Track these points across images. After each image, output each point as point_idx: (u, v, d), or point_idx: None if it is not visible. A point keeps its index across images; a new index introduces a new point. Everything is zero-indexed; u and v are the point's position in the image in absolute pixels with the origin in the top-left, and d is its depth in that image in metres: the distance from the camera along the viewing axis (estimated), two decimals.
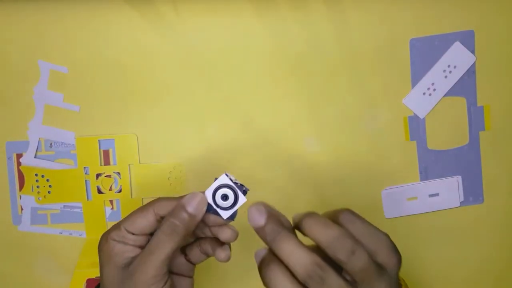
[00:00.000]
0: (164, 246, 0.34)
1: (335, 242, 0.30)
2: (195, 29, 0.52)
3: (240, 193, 0.37)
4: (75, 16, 0.51)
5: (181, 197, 0.37)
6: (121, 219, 0.38)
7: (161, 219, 0.36)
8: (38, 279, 0.54)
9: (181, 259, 0.40)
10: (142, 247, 0.36)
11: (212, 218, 0.37)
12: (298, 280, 0.30)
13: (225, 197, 0.37)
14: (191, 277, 0.40)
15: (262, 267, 0.32)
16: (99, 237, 0.38)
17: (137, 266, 0.35)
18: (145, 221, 0.36)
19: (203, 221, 0.37)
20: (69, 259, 0.53)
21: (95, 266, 0.50)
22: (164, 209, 0.36)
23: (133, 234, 0.36)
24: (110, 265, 0.36)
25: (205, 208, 0.36)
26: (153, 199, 0.38)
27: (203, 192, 0.37)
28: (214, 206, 0.37)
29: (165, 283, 0.35)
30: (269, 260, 0.32)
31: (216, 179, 0.37)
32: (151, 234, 0.37)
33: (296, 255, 0.31)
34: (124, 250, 0.36)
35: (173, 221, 0.35)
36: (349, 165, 0.55)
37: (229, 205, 0.37)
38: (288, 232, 0.32)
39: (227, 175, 0.37)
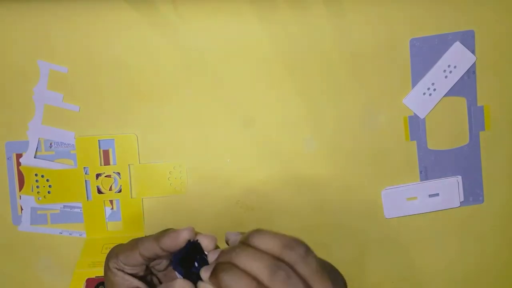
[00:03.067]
0: None
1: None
2: (195, 29, 0.52)
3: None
4: (75, 16, 0.51)
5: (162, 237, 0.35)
6: (117, 247, 0.37)
7: (148, 259, 0.37)
8: (38, 279, 0.54)
9: None
10: (140, 277, 0.37)
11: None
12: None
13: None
14: None
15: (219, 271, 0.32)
16: (100, 246, 0.38)
17: None
18: (135, 261, 0.36)
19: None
20: (69, 259, 0.53)
21: (95, 266, 0.50)
22: (148, 252, 0.36)
23: (129, 266, 0.37)
24: None
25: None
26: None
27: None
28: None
29: None
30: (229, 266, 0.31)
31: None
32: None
33: (255, 260, 0.31)
34: (123, 281, 0.37)
35: None
36: (349, 165, 0.55)
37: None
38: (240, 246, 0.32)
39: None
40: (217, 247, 0.35)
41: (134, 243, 0.36)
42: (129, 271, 0.37)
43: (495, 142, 0.55)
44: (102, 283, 0.50)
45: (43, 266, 0.54)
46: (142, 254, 0.36)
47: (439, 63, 0.54)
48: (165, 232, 0.35)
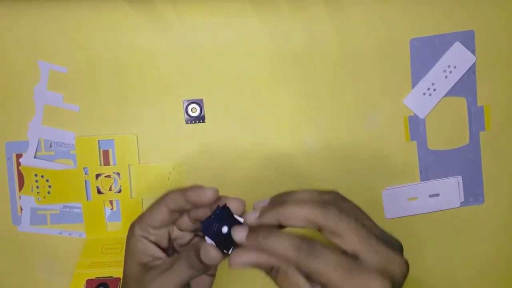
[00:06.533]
0: (183, 273, 0.35)
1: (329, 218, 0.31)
2: (195, 29, 0.52)
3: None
4: (75, 16, 0.51)
5: (190, 190, 0.35)
6: (142, 212, 0.38)
7: (172, 212, 0.36)
8: (38, 279, 0.54)
9: None
10: (160, 246, 0.37)
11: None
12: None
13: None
14: (212, 275, 0.39)
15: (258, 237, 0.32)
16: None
17: (155, 278, 0.35)
18: (161, 216, 0.36)
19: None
20: (69, 259, 0.53)
21: (95, 267, 0.50)
22: (173, 204, 0.36)
23: (153, 228, 0.37)
24: (132, 259, 0.37)
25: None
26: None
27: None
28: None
29: None
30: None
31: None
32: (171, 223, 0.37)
33: (281, 241, 0.31)
34: (146, 249, 0.37)
35: (194, 261, 0.35)
36: (349, 165, 0.55)
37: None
38: (266, 230, 0.32)
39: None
40: (245, 211, 0.35)
41: (160, 198, 0.36)
42: (153, 238, 0.37)
43: (495, 142, 0.55)
44: (102, 284, 0.49)
45: (43, 267, 0.54)
46: (167, 205, 0.36)
47: (439, 63, 0.54)
48: (191, 186, 0.35)
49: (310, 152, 0.54)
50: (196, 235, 0.39)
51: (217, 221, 0.33)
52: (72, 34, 0.51)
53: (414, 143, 0.55)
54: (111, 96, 0.52)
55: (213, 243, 0.33)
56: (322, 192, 0.33)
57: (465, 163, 0.55)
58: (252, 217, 0.33)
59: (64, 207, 0.53)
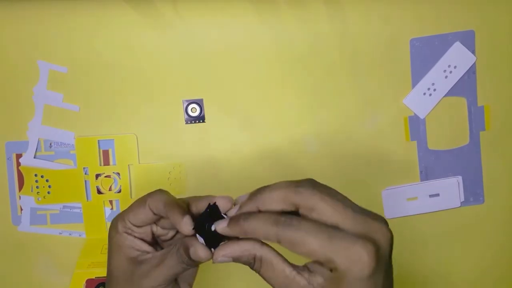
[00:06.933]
0: (175, 268, 0.35)
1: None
2: (195, 29, 0.52)
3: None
4: (75, 16, 0.51)
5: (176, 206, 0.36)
6: (123, 210, 0.38)
7: (155, 214, 0.37)
8: (38, 279, 0.54)
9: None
10: (148, 242, 0.37)
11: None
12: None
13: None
14: (196, 265, 0.40)
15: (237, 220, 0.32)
16: (107, 231, 0.39)
17: (147, 272, 0.36)
18: (144, 216, 0.36)
19: None
20: (69, 259, 0.53)
21: (95, 266, 0.50)
22: (156, 210, 0.36)
23: (136, 227, 0.37)
24: (119, 255, 0.37)
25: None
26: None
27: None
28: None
29: (171, 285, 0.36)
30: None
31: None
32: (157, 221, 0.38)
33: (261, 218, 0.32)
34: (133, 244, 0.37)
35: (184, 258, 0.35)
36: (349, 165, 0.55)
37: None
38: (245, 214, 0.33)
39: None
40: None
41: (144, 198, 0.37)
42: (137, 235, 0.37)
43: (495, 142, 0.55)
44: (102, 284, 0.49)
45: (43, 266, 0.53)
46: (151, 208, 0.36)
47: (439, 63, 0.54)
48: (173, 206, 0.35)
49: (310, 152, 0.54)
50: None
51: (207, 219, 0.34)
52: (72, 34, 0.51)
53: (414, 143, 0.55)
54: (111, 96, 0.52)
55: (203, 241, 0.34)
56: (297, 180, 0.34)
57: (465, 163, 0.55)
58: (233, 212, 0.34)
59: (64, 207, 0.53)
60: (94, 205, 0.53)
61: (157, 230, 0.38)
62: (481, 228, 0.57)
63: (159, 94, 0.53)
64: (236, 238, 0.33)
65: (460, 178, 0.56)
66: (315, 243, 0.29)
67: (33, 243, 0.53)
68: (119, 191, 0.53)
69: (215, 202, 0.35)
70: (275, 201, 0.33)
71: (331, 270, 0.30)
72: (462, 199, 0.56)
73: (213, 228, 0.33)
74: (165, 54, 0.52)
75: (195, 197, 0.37)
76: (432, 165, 0.55)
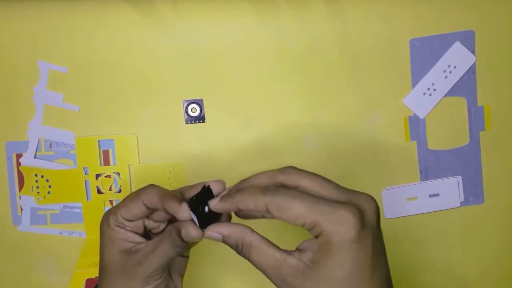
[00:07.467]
0: (169, 253, 0.36)
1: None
2: (195, 29, 0.52)
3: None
4: (75, 16, 0.51)
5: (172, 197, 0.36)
6: (115, 205, 0.38)
7: (148, 208, 0.37)
8: (38, 279, 0.54)
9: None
10: (139, 234, 0.38)
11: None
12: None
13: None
14: (186, 256, 0.41)
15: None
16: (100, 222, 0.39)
17: (142, 260, 0.36)
18: (137, 210, 0.37)
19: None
20: (69, 259, 0.53)
21: (95, 266, 0.50)
22: (150, 204, 0.36)
23: (128, 221, 0.37)
24: (112, 248, 0.37)
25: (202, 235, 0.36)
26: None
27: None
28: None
29: (164, 274, 0.37)
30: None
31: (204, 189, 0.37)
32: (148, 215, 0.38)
33: (250, 190, 0.34)
34: (126, 237, 0.37)
35: (177, 240, 0.36)
36: (349, 165, 0.55)
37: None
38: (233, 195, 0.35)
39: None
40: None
41: (137, 193, 0.37)
42: (129, 229, 0.37)
43: (495, 142, 0.55)
44: None
45: (43, 266, 0.54)
46: (144, 202, 0.36)
47: (439, 63, 0.54)
48: (169, 194, 0.36)
49: (310, 152, 0.54)
50: (170, 222, 0.40)
51: (201, 200, 0.35)
52: (72, 34, 0.51)
53: (414, 143, 0.55)
54: (111, 96, 0.52)
55: (197, 221, 0.35)
56: (282, 167, 0.36)
57: (465, 163, 0.55)
58: (225, 193, 0.36)
59: (64, 207, 0.53)
60: (94, 205, 0.53)
61: (149, 223, 0.39)
62: (481, 228, 0.57)
63: (159, 94, 0.53)
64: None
65: (460, 178, 0.56)
66: (301, 206, 0.31)
67: (33, 243, 0.53)
68: (119, 191, 0.53)
69: (209, 185, 0.36)
70: (262, 181, 0.35)
71: (317, 237, 0.32)
72: (462, 199, 0.56)
73: (206, 209, 0.35)
74: (165, 54, 0.52)
75: (187, 186, 0.38)
76: (432, 165, 0.55)
